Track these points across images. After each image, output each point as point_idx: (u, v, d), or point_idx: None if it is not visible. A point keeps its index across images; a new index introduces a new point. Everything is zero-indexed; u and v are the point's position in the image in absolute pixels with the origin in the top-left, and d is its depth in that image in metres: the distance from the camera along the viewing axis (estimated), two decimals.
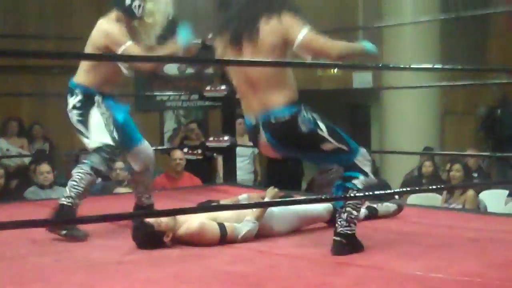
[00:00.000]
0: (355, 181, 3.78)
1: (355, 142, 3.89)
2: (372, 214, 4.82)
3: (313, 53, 3.73)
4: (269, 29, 3.68)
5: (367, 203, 4.84)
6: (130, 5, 4.57)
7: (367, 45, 3.83)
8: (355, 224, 3.76)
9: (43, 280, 3.34)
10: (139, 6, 4.58)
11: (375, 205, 4.90)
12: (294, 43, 3.66)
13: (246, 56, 3.74)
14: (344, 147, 3.80)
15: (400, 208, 5.04)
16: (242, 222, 4.06)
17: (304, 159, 4.15)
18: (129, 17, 4.61)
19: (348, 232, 3.72)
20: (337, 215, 3.78)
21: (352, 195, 3.74)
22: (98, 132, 4.51)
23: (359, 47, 3.86)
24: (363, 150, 3.89)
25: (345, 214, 3.72)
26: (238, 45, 3.78)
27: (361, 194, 3.77)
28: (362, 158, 3.84)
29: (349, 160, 3.82)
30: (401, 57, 10.22)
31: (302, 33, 3.65)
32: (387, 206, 4.98)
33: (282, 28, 3.68)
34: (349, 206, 3.73)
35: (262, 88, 3.73)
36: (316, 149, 3.78)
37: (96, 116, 4.56)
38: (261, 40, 3.70)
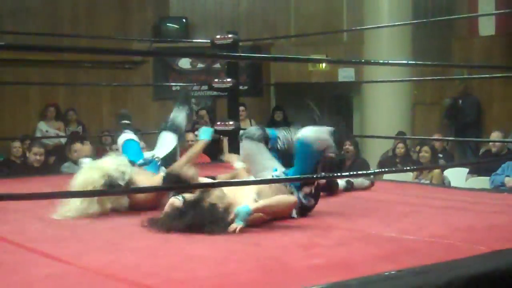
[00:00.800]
0: None
1: None
2: (350, 187, 4.85)
3: None
4: None
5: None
6: None
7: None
8: None
9: (76, 238, 3.33)
10: None
11: (351, 180, 4.91)
12: None
13: None
14: None
15: (372, 184, 5.05)
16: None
17: None
18: None
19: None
20: None
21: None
22: None
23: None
24: None
25: None
26: None
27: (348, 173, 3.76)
28: None
29: None
30: (379, 55, 10.18)
31: None
32: (362, 181, 4.99)
33: None
34: None
35: None
36: None
37: None
38: None
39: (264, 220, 3.55)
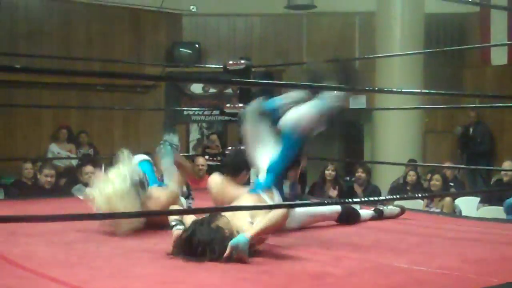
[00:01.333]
0: None
1: None
2: (379, 216, 4.79)
3: None
4: None
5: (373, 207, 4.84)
6: None
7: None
8: None
9: (86, 264, 3.31)
10: None
11: (381, 207, 4.87)
12: None
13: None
14: None
15: (402, 211, 5.00)
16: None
17: None
18: None
19: None
20: None
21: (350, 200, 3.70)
22: None
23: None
24: None
25: None
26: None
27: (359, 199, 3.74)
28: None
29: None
30: (391, 83, 10.18)
31: None
32: (391, 209, 4.93)
33: None
34: None
35: None
36: None
37: None
38: None
39: (263, 240, 3.52)
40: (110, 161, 9.38)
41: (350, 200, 4.48)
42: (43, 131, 10.83)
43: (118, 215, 3.97)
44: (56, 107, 10.90)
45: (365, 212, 4.71)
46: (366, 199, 3.92)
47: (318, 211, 4.42)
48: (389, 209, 4.91)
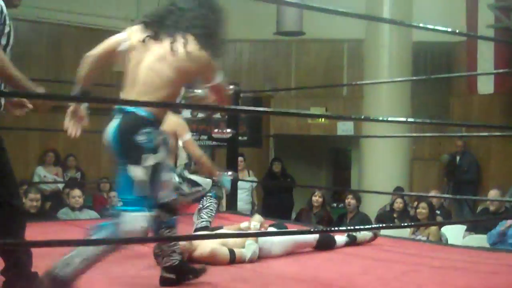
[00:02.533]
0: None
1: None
2: (352, 241, 4.81)
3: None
4: (187, 54, 3.04)
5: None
6: None
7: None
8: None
9: None
10: None
11: (354, 233, 4.88)
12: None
13: (149, 55, 3.08)
14: (148, 191, 2.98)
15: (375, 236, 5.02)
16: (246, 245, 4.04)
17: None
18: None
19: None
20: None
21: (333, 228, 3.68)
22: None
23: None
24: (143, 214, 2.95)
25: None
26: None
27: (343, 228, 3.72)
28: (139, 217, 2.93)
29: (139, 208, 2.95)
30: (378, 110, 10.23)
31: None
32: (364, 234, 4.96)
33: (196, 63, 3.09)
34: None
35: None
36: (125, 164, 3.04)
37: None
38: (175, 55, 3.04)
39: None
40: (97, 185, 9.38)
41: (337, 228, 4.48)
42: (29, 154, 10.77)
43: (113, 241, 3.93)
44: (44, 130, 10.84)
45: (340, 239, 4.75)
46: (351, 227, 3.90)
47: (301, 237, 4.45)
48: (362, 234, 4.94)
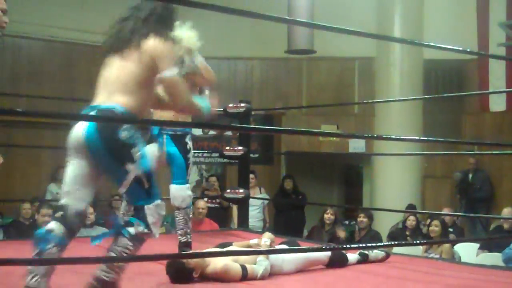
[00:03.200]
0: (130, 229, 3.04)
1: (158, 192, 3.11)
2: (364, 259, 4.79)
3: (168, 93, 3.23)
4: (147, 47, 3.13)
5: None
6: None
7: (204, 106, 3.37)
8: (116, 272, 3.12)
9: None
10: None
11: (366, 252, 4.85)
12: (160, 75, 3.12)
13: (116, 62, 3.20)
14: (146, 183, 3.04)
15: (387, 255, 4.99)
16: (257, 262, 4.03)
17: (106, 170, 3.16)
18: None
19: (105, 278, 3.10)
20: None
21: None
22: None
23: (198, 106, 3.32)
24: (161, 202, 3.09)
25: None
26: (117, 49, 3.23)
27: (354, 246, 3.70)
28: (154, 208, 3.06)
29: (143, 201, 3.05)
30: (390, 128, 10.22)
31: (172, 71, 3.12)
32: (376, 253, 4.93)
33: (156, 54, 3.12)
34: (114, 251, 3.06)
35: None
36: (119, 164, 3.03)
37: None
38: (137, 53, 3.15)
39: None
40: (109, 203, 9.41)
41: (348, 246, 4.46)
42: (42, 171, 10.80)
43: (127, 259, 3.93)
44: (56, 148, 10.87)
45: (352, 257, 4.72)
46: (364, 245, 3.89)
47: (313, 255, 4.44)
48: (374, 253, 4.91)
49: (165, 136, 5.01)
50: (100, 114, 3.05)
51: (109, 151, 3.02)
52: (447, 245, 7.11)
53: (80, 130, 3.12)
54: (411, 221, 8.46)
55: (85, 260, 2.93)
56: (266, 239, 4.38)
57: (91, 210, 7.43)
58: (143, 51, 3.13)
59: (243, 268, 3.95)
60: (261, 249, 4.26)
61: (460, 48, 4.59)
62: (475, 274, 4.56)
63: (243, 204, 6.94)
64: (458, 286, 4.11)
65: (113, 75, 3.17)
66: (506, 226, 7.83)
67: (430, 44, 4.89)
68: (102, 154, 3.04)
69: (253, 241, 4.53)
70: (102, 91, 3.20)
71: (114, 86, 3.14)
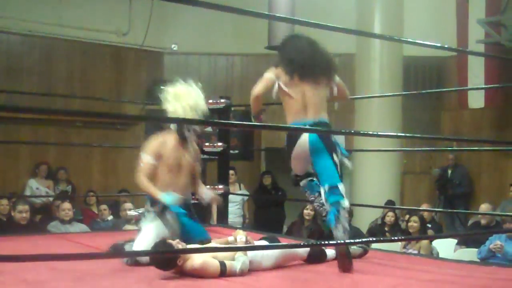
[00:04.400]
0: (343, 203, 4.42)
1: None
2: None
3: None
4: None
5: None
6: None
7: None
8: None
9: None
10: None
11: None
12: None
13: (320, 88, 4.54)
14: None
15: (365, 252, 5.00)
16: (235, 258, 4.02)
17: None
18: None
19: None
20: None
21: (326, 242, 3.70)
22: None
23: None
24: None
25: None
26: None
27: (335, 242, 3.71)
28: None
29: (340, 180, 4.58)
30: (370, 124, 10.26)
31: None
32: (354, 249, 4.93)
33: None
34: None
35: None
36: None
37: None
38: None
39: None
40: (84, 199, 9.34)
41: (328, 242, 4.47)
42: (20, 167, 10.73)
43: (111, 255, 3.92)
44: (35, 143, 10.81)
45: (331, 252, 4.72)
46: (342, 241, 3.91)
47: (292, 250, 4.43)
48: (352, 249, 4.91)
49: None
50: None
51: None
52: (425, 241, 7.16)
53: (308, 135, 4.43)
54: (390, 217, 8.51)
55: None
56: (241, 236, 4.38)
57: (69, 206, 7.39)
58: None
59: (222, 264, 3.95)
60: (240, 245, 4.26)
61: (439, 45, 4.61)
62: (452, 270, 4.58)
63: (222, 200, 6.93)
64: (435, 281, 4.13)
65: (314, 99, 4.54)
66: (483, 221, 7.89)
67: (409, 40, 4.91)
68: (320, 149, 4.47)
69: (231, 238, 4.53)
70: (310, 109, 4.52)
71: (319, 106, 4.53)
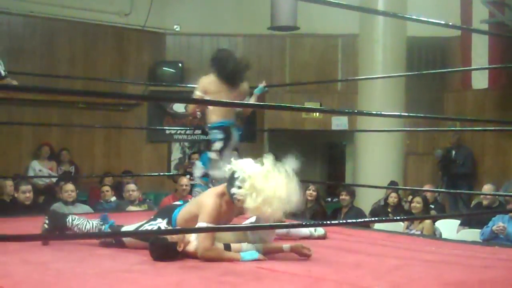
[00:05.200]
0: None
1: None
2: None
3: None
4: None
5: None
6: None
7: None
8: None
9: (61, 284, 3.25)
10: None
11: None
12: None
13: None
14: None
15: (324, 236, 4.97)
16: (247, 246, 3.96)
17: None
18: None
19: None
20: None
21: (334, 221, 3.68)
22: None
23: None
24: None
25: None
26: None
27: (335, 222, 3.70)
28: None
29: None
30: (373, 105, 10.22)
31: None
32: (318, 231, 4.95)
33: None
34: None
35: None
36: None
37: None
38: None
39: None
40: (100, 179, 9.36)
41: (331, 222, 4.48)
42: (23, 148, 10.73)
43: (94, 235, 3.92)
44: (37, 124, 10.80)
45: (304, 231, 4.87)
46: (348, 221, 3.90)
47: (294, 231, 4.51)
48: (318, 229, 4.95)
49: None
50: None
51: None
52: (428, 222, 7.15)
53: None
54: (393, 197, 8.49)
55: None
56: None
57: (72, 187, 7.39)
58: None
59: (227, 246, 3.92)
60: (245, 225, 4.25)
61: (443, 22, 4.58)
62: (455, 250, 4.59)
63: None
64: (438, 261, 4.13)
65: None
66: (485, 202, 7.88)
67: (413, 17, 4.86)
68: None
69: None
70: None
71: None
